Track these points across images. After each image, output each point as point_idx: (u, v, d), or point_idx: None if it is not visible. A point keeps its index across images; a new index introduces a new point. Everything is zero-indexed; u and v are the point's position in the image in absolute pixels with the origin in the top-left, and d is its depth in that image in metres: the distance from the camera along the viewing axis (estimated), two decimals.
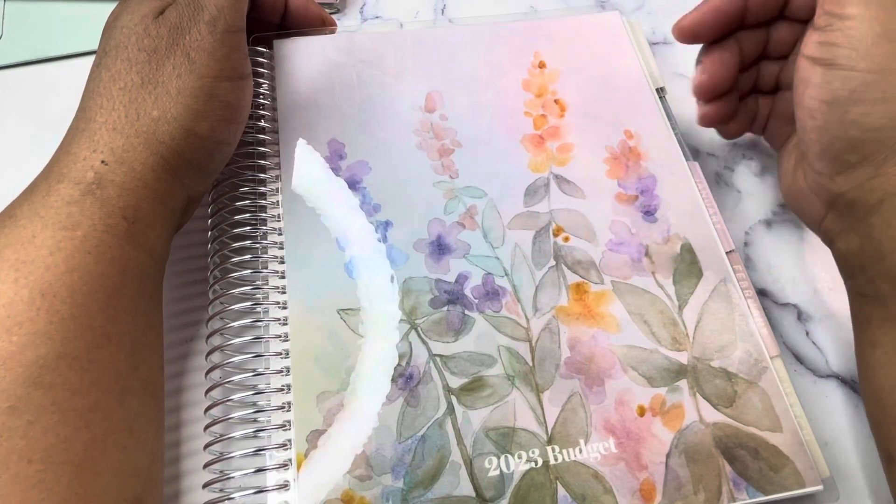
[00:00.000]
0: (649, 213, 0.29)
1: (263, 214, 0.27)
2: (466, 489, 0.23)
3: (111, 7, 0.26)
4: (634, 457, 0.24)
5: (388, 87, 0.31)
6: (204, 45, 0.24)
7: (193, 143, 0.24)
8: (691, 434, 0.24)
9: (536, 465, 0.23)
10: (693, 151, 0.33)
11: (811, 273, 0.30)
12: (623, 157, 0.30)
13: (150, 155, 0.23)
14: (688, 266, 0.28)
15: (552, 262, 0.27)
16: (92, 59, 0.25)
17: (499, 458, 0.23)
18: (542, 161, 0.30)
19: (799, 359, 0.28)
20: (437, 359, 0.25)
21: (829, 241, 0.26)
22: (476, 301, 0.26)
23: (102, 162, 0.22)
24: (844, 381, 0.28)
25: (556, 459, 0.24)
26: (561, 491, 0.23)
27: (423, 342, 0.25)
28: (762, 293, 0.29)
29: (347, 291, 0.26)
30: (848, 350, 0.28)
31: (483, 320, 0.26)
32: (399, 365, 0.25)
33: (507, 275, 0.27)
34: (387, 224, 0.28)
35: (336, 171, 0.29)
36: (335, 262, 0.27)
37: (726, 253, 0.28)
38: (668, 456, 0.24)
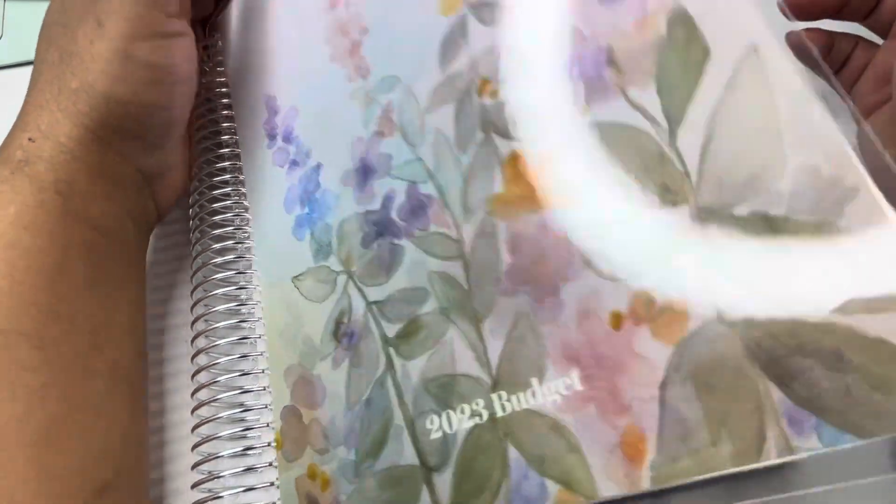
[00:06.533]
0: None
1: (242, 199, 0.27)
2: (410, 456, 0.19)
3: None
4: (610, 393, 0.15)
5: (290, 4, 0.26)
6: (113, 7, 0.22)
7: (116, 110, 0.23)
8: (703, 343, 0.14)
9: (481, 419, 0.17)
10: None
11: None
12: None
13: (74, 126, 0.22)
14: (682, 49, 0.15)
15: (480, 135, 0.19)
16: None
17: (440, 415, 0.18)
18: None
19: None
20: (374, 307, 0.21)
21: None
22: (403, 224, 0.21)
23: (29, 139, 0.22)
24: None
25: (503, 410, 0.17)
26: (513, 452, 0.17)
27: (360, 290, 0.22)
28: None
29: (297, 256, 0.24)
30: None
31: (412, 246, 0.20)
32: (342, 323, 0.22)
33: (431, 177, 0.20)
34: (318, 167, 0.24)
35: (273, 131, 0.26)
36: (283, 227, 0.25)
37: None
38: (662, 385, 0.14)
